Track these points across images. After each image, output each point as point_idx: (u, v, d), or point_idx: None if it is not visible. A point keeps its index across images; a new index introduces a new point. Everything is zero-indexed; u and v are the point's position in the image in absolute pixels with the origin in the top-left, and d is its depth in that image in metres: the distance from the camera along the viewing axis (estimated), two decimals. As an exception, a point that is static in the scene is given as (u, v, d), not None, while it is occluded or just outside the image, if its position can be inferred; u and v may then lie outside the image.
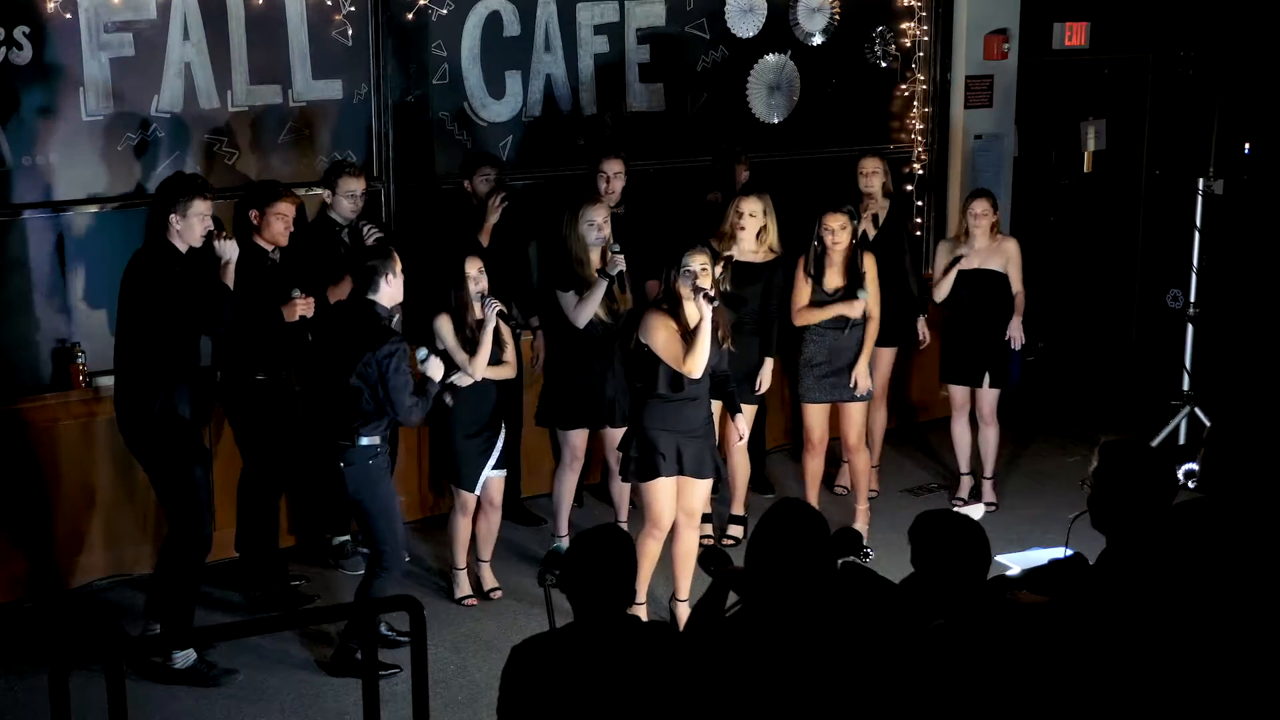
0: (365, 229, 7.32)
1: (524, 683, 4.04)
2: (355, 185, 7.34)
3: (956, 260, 8.12)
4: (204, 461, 6.56)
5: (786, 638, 4.12)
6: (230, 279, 6.43)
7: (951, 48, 9.88)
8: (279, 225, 6.88)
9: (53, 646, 6.56)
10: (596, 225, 7.21)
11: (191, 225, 6.29)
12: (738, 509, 7.99)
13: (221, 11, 7.42)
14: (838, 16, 9.45)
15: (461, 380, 6.83)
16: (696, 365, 6.51)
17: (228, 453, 7.38)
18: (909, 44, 9.77)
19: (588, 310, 7.23)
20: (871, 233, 8.27)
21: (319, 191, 7.58)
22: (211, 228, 6.36)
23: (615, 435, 7.33)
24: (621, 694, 4.02)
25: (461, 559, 7.19)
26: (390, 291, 6.44)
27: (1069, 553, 4.75)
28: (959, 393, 8.38)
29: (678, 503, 6.73)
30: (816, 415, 7.83)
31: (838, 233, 7.55)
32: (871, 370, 7.81)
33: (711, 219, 7.90)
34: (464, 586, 7.23)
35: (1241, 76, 10.00)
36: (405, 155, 8.08)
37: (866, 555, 4.93)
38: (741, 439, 7.21)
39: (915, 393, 9.82)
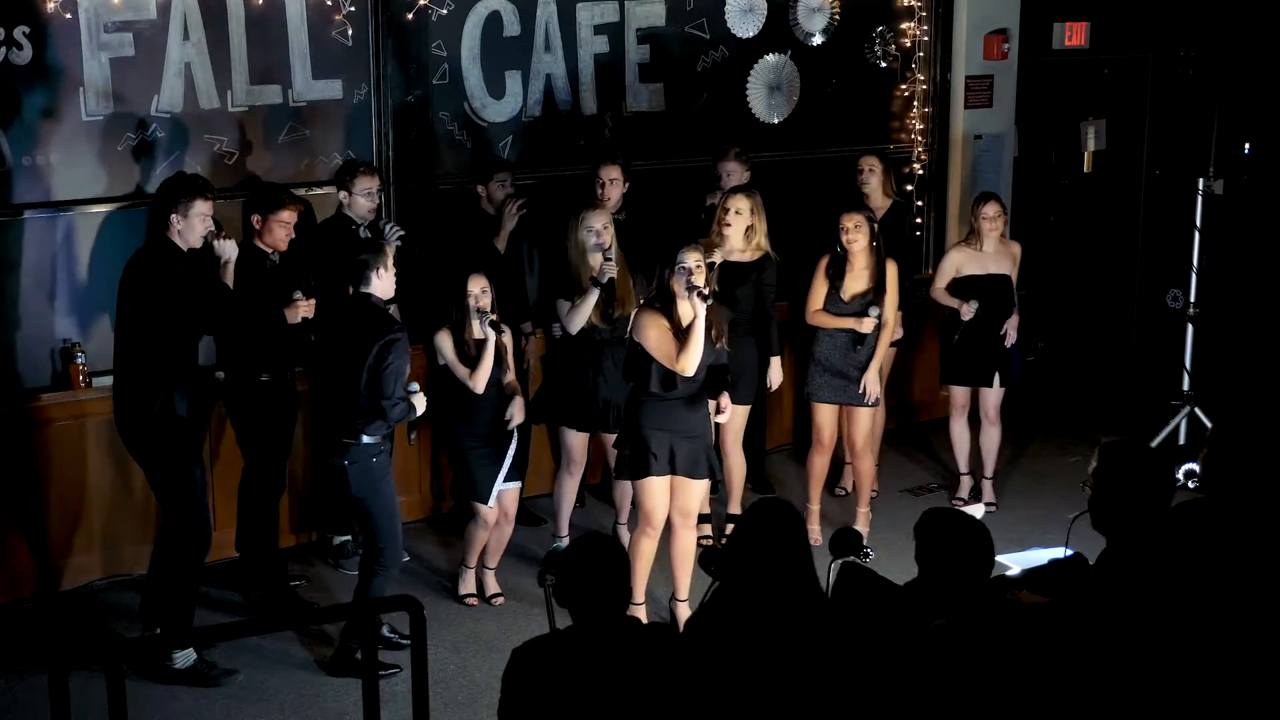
0: (388, 228, 7.32)
1: (525, 685, 4.05)
2: (370, 183, 7.34)
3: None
4: (201, 462, 6.55)
5: (761, 624, 4.15)
6: (230, 278, 6.43)
7: (951, 48, 9.88)
8: (280, 232, 6.89)
9: (52, 646, 6.55)
10: (595, 232, 7.18)
11: (192, 225, 6.31)
12: (734, 508, 7.97)
13: (221, 11, 7.41)
14: (838, 16, 9.45)
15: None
16: (689, 364, 6.49)
17: (229, 453, 7.38)
18: (909, 44, 9.77)
19: (579, 317, 7.21)
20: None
21: (319, 191, 7.57)
22: (211, 228, 6.38)
23: (613, 438, 7.31)
24: (622, 696, 4.02)
25: (473, 559, 7.23)
26: (382, 285, 6.42)
27: (1069, 553, 4.76)
28: (959, 393, 8.38)
29: (673, 503, 6.72)
30: (827, 415, 7.80)
31: (851, 232, 7.52)
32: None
33: (711, 221, 7.88)
34: (469, 584, 7.26)
35: (1241, 76, 10.01)
36: (405, 155, 8.08)
37: (867, 555, 4.94)
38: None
39: (915, 393, 9.82)
